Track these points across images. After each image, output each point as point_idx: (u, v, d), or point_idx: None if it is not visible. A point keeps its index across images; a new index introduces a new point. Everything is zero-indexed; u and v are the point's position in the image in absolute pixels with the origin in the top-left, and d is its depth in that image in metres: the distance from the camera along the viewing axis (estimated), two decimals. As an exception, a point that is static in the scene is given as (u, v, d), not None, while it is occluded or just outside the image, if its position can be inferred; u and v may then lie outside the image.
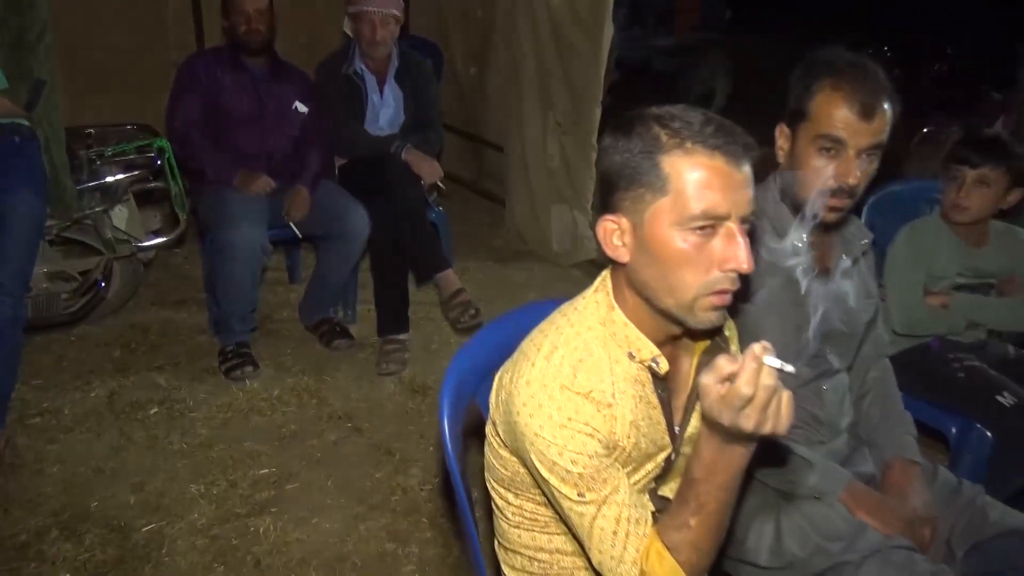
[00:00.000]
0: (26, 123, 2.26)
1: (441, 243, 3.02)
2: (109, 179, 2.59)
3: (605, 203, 1.05)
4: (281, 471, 2.32)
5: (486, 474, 1.22)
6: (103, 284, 2.79)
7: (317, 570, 1.98)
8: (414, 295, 3.02)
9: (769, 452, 1.41)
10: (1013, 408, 1.88)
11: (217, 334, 2.88)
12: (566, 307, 1.13)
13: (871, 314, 1.64)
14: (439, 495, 2.26)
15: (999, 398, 1.91)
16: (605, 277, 1.11)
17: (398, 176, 2.91)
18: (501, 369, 1.14)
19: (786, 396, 0.91)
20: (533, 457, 1.03)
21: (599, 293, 1.10)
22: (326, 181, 2.96)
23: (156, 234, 2.85)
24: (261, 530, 2.09)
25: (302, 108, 2.95)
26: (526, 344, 1.11)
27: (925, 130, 4.33)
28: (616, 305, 1.08)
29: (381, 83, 3.10)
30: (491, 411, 1.15)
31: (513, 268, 3.86)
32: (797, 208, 1.44)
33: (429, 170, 3.04)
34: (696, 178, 0.97)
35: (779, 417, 0.91)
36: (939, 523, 1.44)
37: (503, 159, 4.28)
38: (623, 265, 1.05)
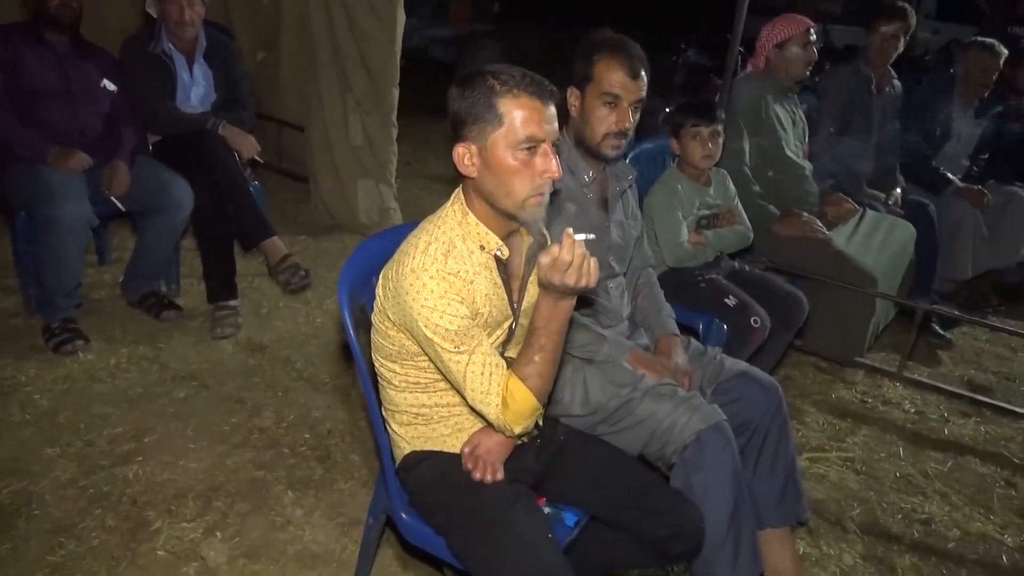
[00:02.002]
0: None
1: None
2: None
3: (457, 135, 1.45)
4: (137, 427, 2.45)
5: (374, 354, 1.57)
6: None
7: (195, 499, 2.18)
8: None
9: (577, 331, 1.90)
10: (736, 307, 2.56)
11: (38, 312, 2.86)
12: (430, 217, 1.52)
13: (638, 232, 2.20)
14: (297, 429, 2.52)
15: (726, 300, 2.58)
16: (458, 192, 1.51)
17: (217, 150, 3.07)
18: (384, 268, 1.50)
19: (592, 260, 1.37)
20: (420, 324, 1.40)
21: (455, 204, 1.50)
22: (143, 156, 3.03)
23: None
24: (131, 475, 2.23)
25: (110, 86, 2.99)
26: (405, 246, 1.48)
27: (667, 109, 5.20)
28: (469, 211, 1.48)
29: (190, 62, 3.20)
30: (379, 301, 1.51)
31: (325, 241, 4.11)
32: (587, 150, 1.95)
33: (247, 144, 3.21)
34: (521, 114, 1.40)
35: (590, 274, 1.36)
36: (693, 373, 2.03)
37: (304, 139, 4.48)
38: (472, 179, 1.45)
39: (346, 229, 4.26)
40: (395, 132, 4.17)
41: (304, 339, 3.10)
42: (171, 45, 3.14)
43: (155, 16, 3.16)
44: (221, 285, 3.10)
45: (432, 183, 5.25)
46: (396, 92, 4.04)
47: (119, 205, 2.91)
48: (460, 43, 8.11)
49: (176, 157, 3.06)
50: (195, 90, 3.22)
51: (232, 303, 3.11)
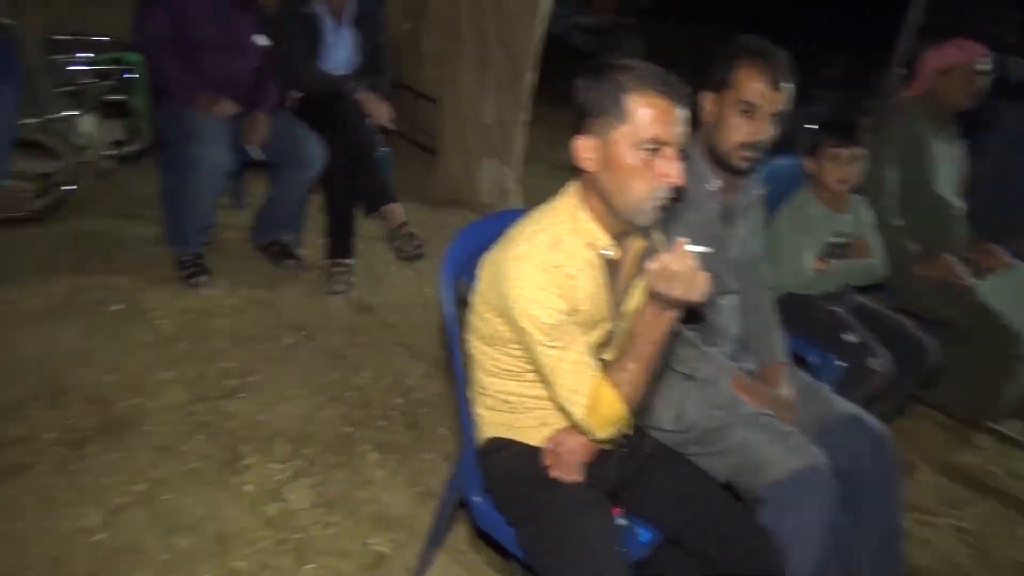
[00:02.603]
0: (9, 23, 2.38)
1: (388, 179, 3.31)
2: (80, 87, 2.71)
3: (579, 127, 1.42)
4: (244, 366, 2.58)
5: (470, 335, 1.57)
6: (70, 188, 2.91)
7: (284, 445, 2.28)
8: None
9: (681, 346, 1.84)
10: (855, 345, 2.40)
11: (173, 245, 3.05)
12: (543, 206, 1.50)
13: (759, 251, 2.10)
14: (391, 393, 2.59)
15: (845, 336, 2.43)
16: (574, 185, 1.48)
17: (352, 113, 3.17)
18: (489, 252, 1.49)
19: (702, 274, 1.31)
20: (516, 313, 1.39)
21: (569, 197, 1.47)
22: (283, 111, 3.17)
23: (117, 145, 2.97)
24: (232, 410, 2.36)
25: (261, 41, 3.13)
26: (513, 231, 1.47)
27: (807, 126, 4.95)
28: (582, 206, 1.45)
29: (337, 25, 3.31)
30: (479, 284, 1.50)
31: (446, 214, 4.18)
32: (717, 159, 1.87)
33: (381, 111, 3.30)
34: (648, 113, 1.35)
35: (698, 288, 1.31)
36: (797, 407, 1.92)
37: (436, 111, 4.56)
38: (589, 174, 1.42)
39: (467, 205, 4.31)
40: (527, 115, 4.16)
41: (410, 307, 3.16)
42: (324, 6, 3.26)
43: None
44: (340, 243, 3.20)
45: (558, 171, 5.23)
46: (533, 76, 4.03)
47: (256, 154, 3.05)
48: (603, 33, 8.02)
49: (313, 116, 3.17)
50: (339, 53, 3.33)
51: (348, 262, 3.22)
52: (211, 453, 2.19)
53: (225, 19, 3.00)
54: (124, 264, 3.01)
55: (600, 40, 7.97)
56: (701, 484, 1.62)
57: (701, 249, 1.31)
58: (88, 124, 2.78)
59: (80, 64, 2.67)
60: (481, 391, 1.60)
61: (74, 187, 2.95)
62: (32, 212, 2.91)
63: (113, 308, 2.72)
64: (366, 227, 3.55)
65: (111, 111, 2.94)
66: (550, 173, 5.10)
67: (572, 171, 1.46)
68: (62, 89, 2.67)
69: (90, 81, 2.72)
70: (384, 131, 3.44)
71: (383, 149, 3.45)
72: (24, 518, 1.88)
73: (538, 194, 1.64)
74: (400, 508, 2.13)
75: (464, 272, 1.66)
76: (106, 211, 3.33)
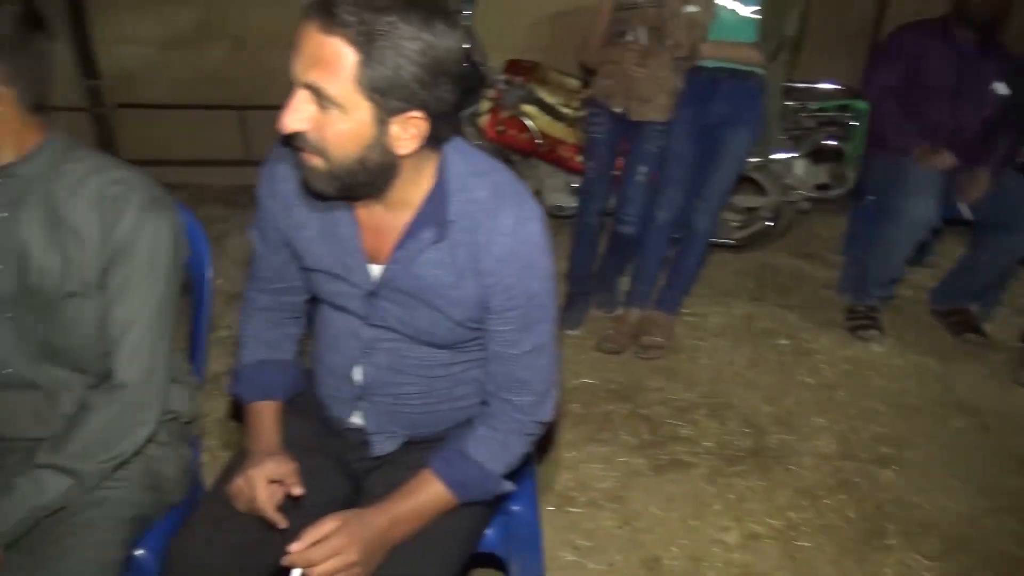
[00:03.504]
0: (761, 72, 2.63)
1: None
2: (804, 131, 2.86)
3: None
4: (901, 436, 2.37)
5: None
6: (770, 223, 3.14)
7: (934, 541, 2.00)
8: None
9: None
10: None
11: (849, 292, 3.01)
12: None
13: None
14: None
15: None
16: None
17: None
18: None
19: None
20: None
21: None
22: (1009, 169, 2.78)
23: (820, 188, 3.07)
24: (882, 480, 2.19)
25: (1001, 90, 2.80)
26: None
27: None
28: None
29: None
30: None
31: None
32: None
33: None
34: None
35: None
36: None
37: None
38: None
39: None
40: None
41: None
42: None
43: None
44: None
45: None
46: None
47: (966, 213, 2.76)
48: None
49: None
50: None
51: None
52: (853, 517, 2.06)
53: (965, 65, 2.78)
54: (796, 301, 3.09)
55: None
56: None
57: None
58: (800, 166, 2.93)
59: (809, 110, 2.81)
60: None
61: (773, 223, 3.16)
62: (734, 240, 3.23)
63: (781, 342, 2.82)
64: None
65: (821, 155, 3.04)
66: None
67: None
68: (787, 133, 2.85)
69: (813, 126, 2.84)
70: None
71: None
72: (675, 510, 2.09)
73: None
74: None
75: None
76: (790, 248, 3.48)
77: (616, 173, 2.79)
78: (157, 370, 1.26)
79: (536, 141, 2.98)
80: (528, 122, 2.97)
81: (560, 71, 3.13)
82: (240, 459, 1.31)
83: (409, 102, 1.00)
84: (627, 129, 2.65)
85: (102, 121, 3.59)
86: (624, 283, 2.91)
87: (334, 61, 0.96)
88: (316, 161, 1.04)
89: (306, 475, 1.20)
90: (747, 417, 2.43)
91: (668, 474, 2.21)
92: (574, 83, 3.05)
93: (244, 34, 3.53)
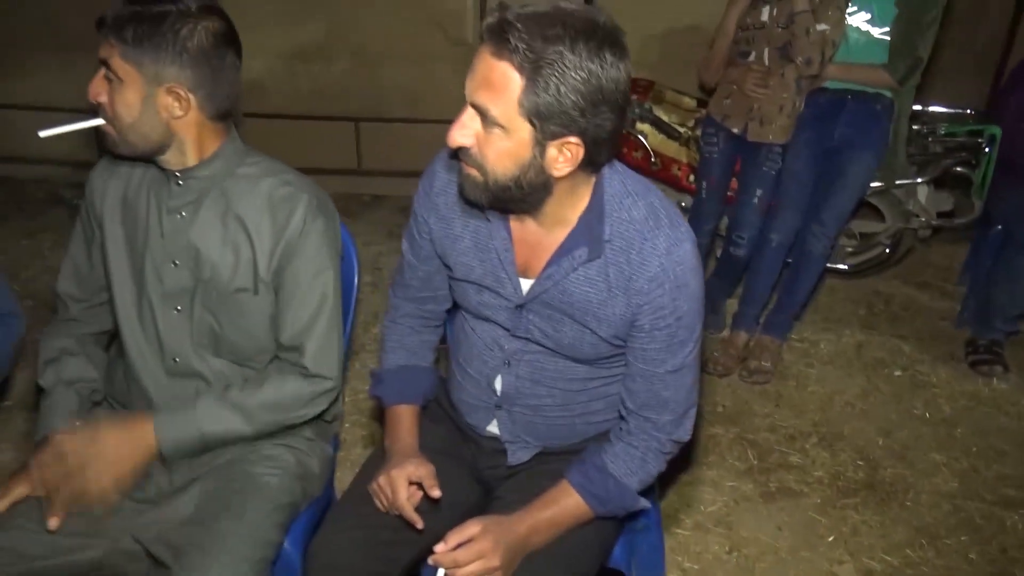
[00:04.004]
0: (889, 95, 2.57)
1: None
2: (930, 157, 2.77)
3: None
4: (1027, 479, 2.26)
5: None
6: (888, 250, 3.05)
7: (1070, 591, 1.90)
8: None
9: None
10: None
11: (967, 324, 2.89)
12: None
13: None
14: None
15: None
16: None
17: None
18: None
19: None
20: None
21: None
22: None
23: (944, 215, 2.96)
24: (1008, 523, 2.09)
25: None
26: None
27: None
28: None
29: None
30: None
31: None
32: None
33: None
34: None
35: None
36: None
37: None
38: None
39: None
40: None
41: None
42: None
43: None
44: None
45: None
46: None
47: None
48: None
49: None
50: None
51: None
52: (975, 559, 1.98)
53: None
54: (910, 331, 2.98)
55: None
56: None
57: None
58: (923, 192, 2.83)
59: (937, 135, 2.72)
60: None
61: (890, 250, 3.06)
62: (847, 265, 3.14)
63: (895, 373, 2.72)
64: None
65: (945, 181, 2.93)
66: None
67: None
68: (912, 158, 2.77)
69: (940, 151, 2.75)
70: None
71: None
72: (785, 539, 2.05)
73: None
74: None
75: None
76: (904, 276, 3.35)
77: (729, 194, 2.77)
78: (335, 359, 1.36)
79: (650, 160, 2.99)
80: (643, 140, 2.98)
81: (676, 90, 3.12)
82: (376, 459, 1.37)
83: (567, 128, 1.04)
84: (743, 150, 2.63)
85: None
86: (732, 305, 2.87)
87: (501, 85, 1.01)
88: (475, 173, 1.10)
89: (439, 479, 1.24)
90: (860, 449, 2.36)
91: (778, 502, 2.17)
92: (690, 102, 3.05)
93: (361, 49, 3.68)
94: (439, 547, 1.14)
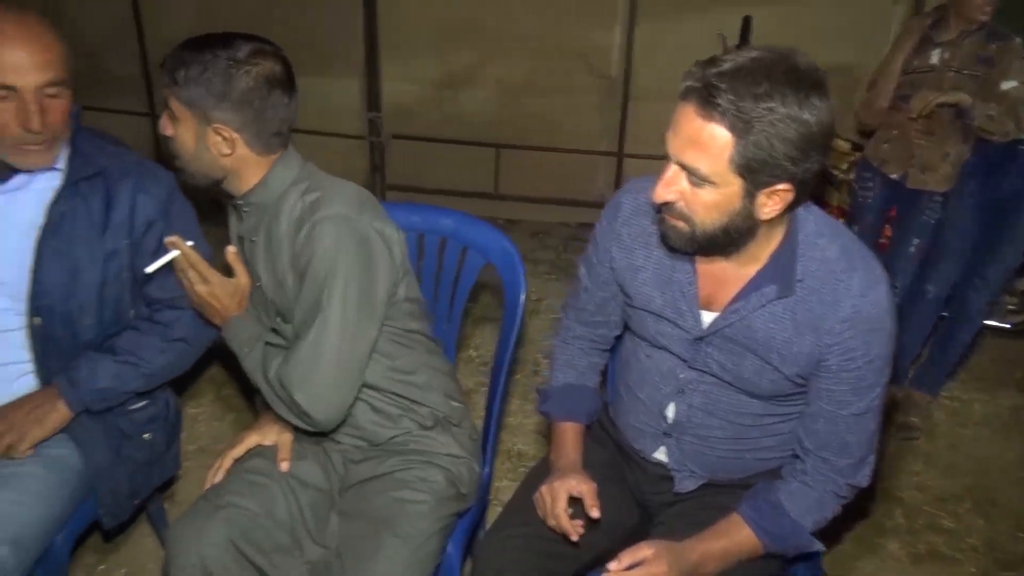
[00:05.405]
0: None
1: None
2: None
3: None
4: None
5: None
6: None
7: None
8: None
9: None
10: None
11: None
12: None
13: None
14: None
15: None
16: None
17: None
18: None
19: None
20: None
21: None
22: None
23: None
24: None
25: None
26: None
27: None
28: None
29: None
30: None
31: None
32: None
33: None
34: None
35: None
36: None
37: None
38: None
39: None
40: None
41: None
42: None
43: None
44: None
45: None
46: None
47: None
48: None
49: None
50: None
51: None
52: None
53: None
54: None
55: None
56: None
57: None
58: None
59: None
60: None
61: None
62: (1007, 324, 2.98)
63: None
64: None
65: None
66: None
67: None
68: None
69: None
70: None
71: None
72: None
73: None
74: None
75: None
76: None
77: (881, 240, 2.68)
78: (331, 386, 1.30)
79: (801, 202, 2.94)
80: (795, 182, 2.93)
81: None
82: (539, 471, 1.41)
83: (779, 177, 1.05)
84: (900, 196, 2.55)
85: (377, 149, 3.99)
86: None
87: (710, 144, 1.03)
88: (681, 225, 1.12)
89: (600, 499, 1.26)
90: (1021, 519, 2.21)
91: (927, 565, 2.06)
92: (844, 145, 2.98)
93: (506, 79, 3.81)
94: (612, 565, 1.16)
